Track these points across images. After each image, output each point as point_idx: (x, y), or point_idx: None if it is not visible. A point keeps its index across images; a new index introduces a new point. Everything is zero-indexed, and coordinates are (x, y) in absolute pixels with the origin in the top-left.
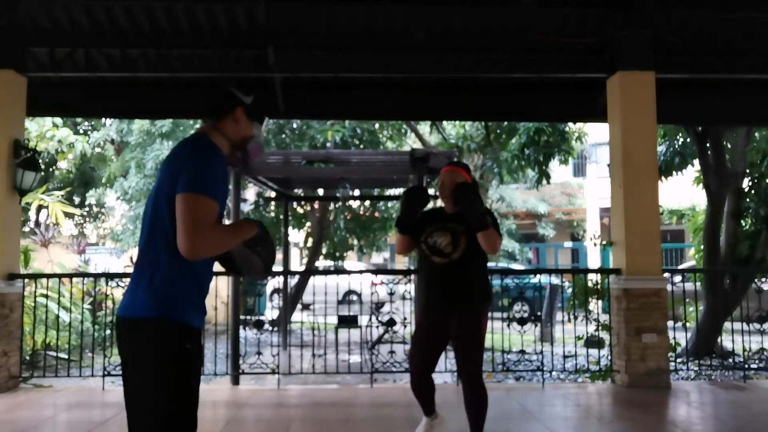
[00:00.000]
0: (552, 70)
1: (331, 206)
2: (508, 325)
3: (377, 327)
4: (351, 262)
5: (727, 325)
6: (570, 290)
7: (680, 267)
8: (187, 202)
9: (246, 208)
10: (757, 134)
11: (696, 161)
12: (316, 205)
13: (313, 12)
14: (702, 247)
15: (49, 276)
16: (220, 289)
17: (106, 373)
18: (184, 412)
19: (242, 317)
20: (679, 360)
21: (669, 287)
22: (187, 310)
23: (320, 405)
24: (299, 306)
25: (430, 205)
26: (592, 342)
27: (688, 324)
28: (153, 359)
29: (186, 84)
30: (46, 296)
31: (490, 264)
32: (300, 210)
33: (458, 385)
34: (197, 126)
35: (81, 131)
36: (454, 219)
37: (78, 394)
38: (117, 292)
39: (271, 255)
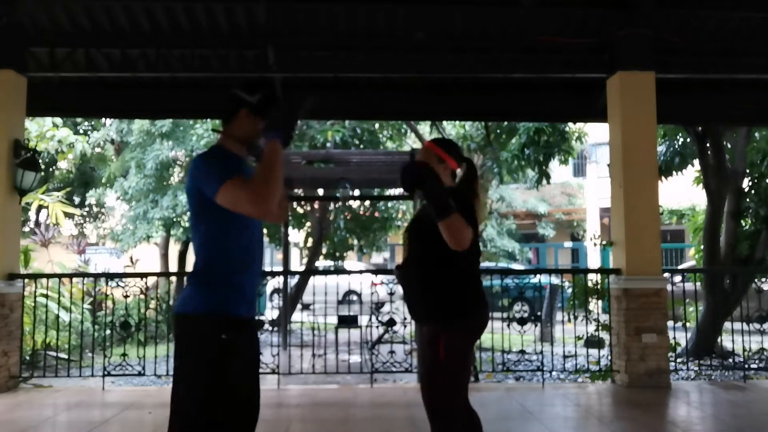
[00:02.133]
0: (552, 70)
1: (331, 206)
2: (508, 325)
3: (377, 327)
4: (351, 262)
5: (727, 325)
6: (570, 290)
7: (680, 267)
8: (224, 196)
9: None
10: (757, 134)
11: (696, 161)
12: (316, 205)
13: (313, 12)
14: (702, 247)
15: (49, 276)
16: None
17: (106, 373)
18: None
19: None
20: (679, 360)
21: (669, 287)
22: (233, 301)
23: (320, 405)
24: (299, 306)
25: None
26: (592, 342)
27: (688, 324)
28: (193, 353)
29: (186, 84)
30: (46, 296)
31: (490, 264)
32: (300, 210)
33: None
34: (197, 126)
35: (81, 131)
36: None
37: (78, 394)
38: (117, 292)
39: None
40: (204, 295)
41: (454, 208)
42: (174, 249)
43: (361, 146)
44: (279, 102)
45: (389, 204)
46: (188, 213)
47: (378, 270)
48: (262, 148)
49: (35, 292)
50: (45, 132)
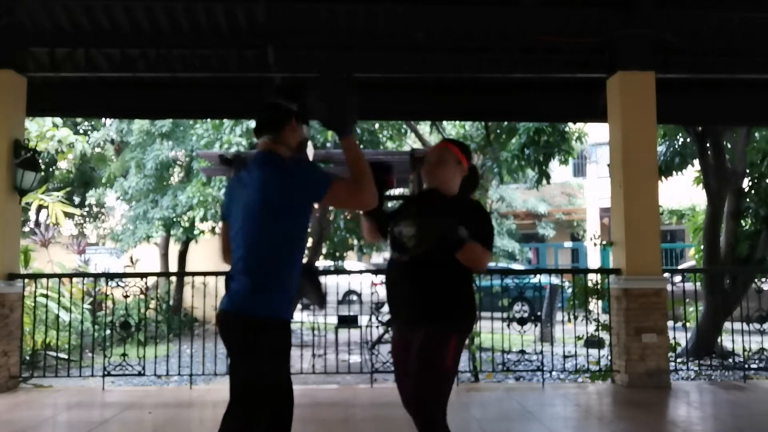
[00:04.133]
0: (552, 70)
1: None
2: (508, 325)
3: (377, 327)
4: (351, 262)
5: (727, 325)
6: (570, 290)
7: (680, 267)
8: (335, 194)
9: None
10: (757, 134)
11: (696, 161)
12: (316, 205)
13: (313, 12)
14: (702, 247)
15: (49, 276)
16: (221, 289)
17: (106, 373)
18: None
19: None
20: (679, 360)
21: (669, 287)
22: (289, 306)
23: (320, 405)
24: (299, 306)
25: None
26: (592, 342)
27: (688, 324)
28: (269, 352)
29: (186, 84)
30: (46, 296)
31: (490, 264)
32: None
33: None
34: (197, 126)
35: (81, 131)
36: (436, 206)
37: (78, 394)
38: (117, 292)
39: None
40: (278, 301)
41: (465, 240)
42: (174, 249)
43: (361, 146)
44: (308, 107)
45: (389, 204)
46: (246, 214)
47: (378, 270)
48: (307, 154)
49: (35, 292)
50: (45, 132)
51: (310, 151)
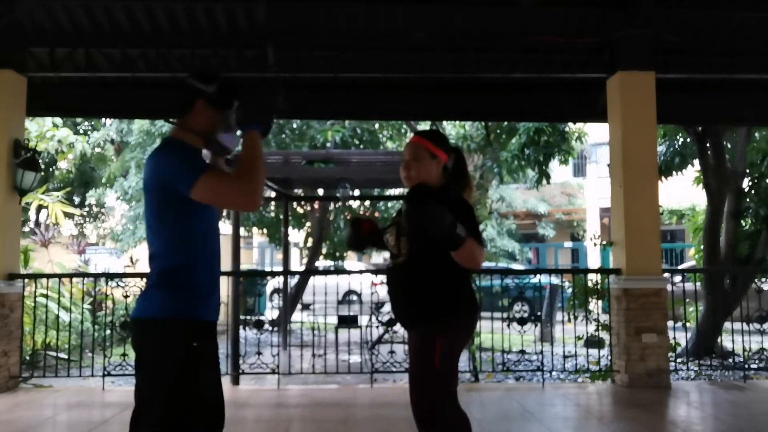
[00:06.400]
0: (552, 70)
1: (331, 206)
2: (508, 325)
3: (377, 327)
4: (351, 262)
5: (727, 325)
6: (570, 290)
7: (680, 267)
8: (203, 190)
9: None
10: (757, 134)
11: (696, 161)
12: (316, 205)
13: (313, 12)
14: (702, 247)
15: (49, 276)
16: (221, 289)
17: (106, 373)
18: (188, 411)
19: (242, 317)
20: (679, 360)
21: (669, 287)
22: (200, 304)
23: (320, 405)
24: (299, 306)
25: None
26: (592, 342)
27: (688, 324)
28: (161, 358)
29: None
30: (46, 296)
31: (490, 264)
32: (300, 210)
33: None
34: None
35: (81, 131)
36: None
37: (78, 394)
38: (117, 292)
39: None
40: (171, 298)
41: (461, 238)
42: None
43: (361, 146)
44: (238, 92)
45: (389, 204)
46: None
47: (378, 270)
48: (221, 142)
49: (35, 292)
50: (45, 132)
51: (230, 140)
